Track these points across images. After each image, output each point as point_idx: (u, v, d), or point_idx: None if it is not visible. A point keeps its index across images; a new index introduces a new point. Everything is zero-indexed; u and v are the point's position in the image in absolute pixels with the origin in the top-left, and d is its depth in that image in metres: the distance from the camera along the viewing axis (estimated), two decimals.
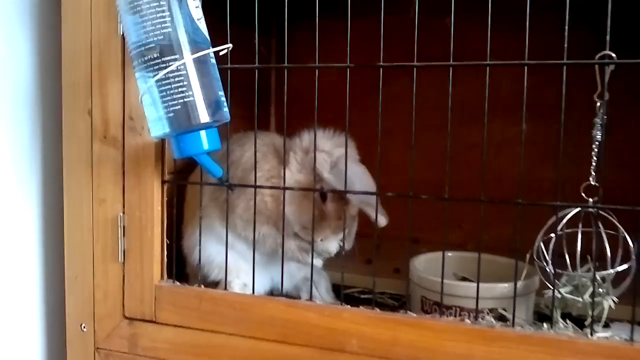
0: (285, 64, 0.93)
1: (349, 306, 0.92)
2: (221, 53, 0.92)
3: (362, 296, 1.22)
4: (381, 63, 0.89)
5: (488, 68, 0.84)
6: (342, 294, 0.98)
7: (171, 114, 0.86)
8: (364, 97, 1.48)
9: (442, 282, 0.88)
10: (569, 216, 0.90)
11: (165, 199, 1.02)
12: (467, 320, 0.86)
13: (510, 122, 1.55)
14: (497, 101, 1.58)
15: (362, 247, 1.12)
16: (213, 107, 0.88)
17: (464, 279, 1.15)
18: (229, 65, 0.95)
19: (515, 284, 0.85)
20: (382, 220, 0.96)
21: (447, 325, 0.85)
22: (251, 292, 1.02)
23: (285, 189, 0.98)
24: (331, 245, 1.05)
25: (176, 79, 0.86)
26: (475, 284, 0.98)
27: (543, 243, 0.92)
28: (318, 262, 1.07)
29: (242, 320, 0.95)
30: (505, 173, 1.58)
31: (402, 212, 1.49)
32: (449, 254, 1.18)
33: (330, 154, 1.02)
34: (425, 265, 1.11)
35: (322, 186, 1.01)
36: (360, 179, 0.98)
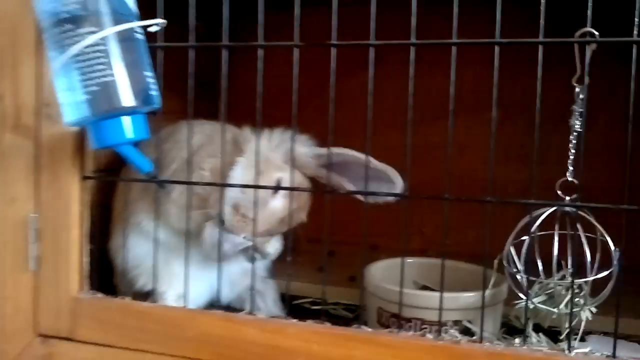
0: (226, 43, 0.80)
1: (294, 320, 0.81)
2: (151, 29, 0.80)
3: (314, 307, 1.11)
4: (334, 42, 0.78)
5: (454, 48, 0.74)
6: (289, 306, 0.87)
7: (88, 96, 0.74)
8: (320, 91, 1.39)
9: (400, 292, 0.77)
10: (543, 216, 0.81)
11: (88, 197, 0.89)
12: (429, 335, 0.76)
13: (474, 121, 1.48)
14: (460, 100, 1.49)
15: (314, 253, 1.01)
16: (139, 89, 0.76)
17: (424, 287, 1.05)
18: (158, 43, 0.82)
19: (484, 294, 0.75)
20: (398, 176, 0.87)
21: (406, 341, 0.75)
22: (192, 303, 0.91)
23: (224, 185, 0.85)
24: (269, 247, 0.94)
25: (95, 55, 0.74)
26: (437, 294, 0.88)
27: (514, 247, 0.82)
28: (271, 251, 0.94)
29: (173, 337, 0.83)
30: (470, 175, 1.49)
31: (359, 215, 1.38)
32: (409, 260, 1.07)
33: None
34: (382, 273, 1.00)
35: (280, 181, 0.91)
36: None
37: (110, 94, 0.74)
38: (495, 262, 0.87)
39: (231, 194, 0.89)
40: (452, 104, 0.78)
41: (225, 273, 1.01)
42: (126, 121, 0.77)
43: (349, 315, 1.08)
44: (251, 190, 0.86)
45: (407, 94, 1.43)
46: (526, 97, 1.49)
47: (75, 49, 0.73)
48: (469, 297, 0.88)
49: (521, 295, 0.81)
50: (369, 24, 0.76)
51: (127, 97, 0.75)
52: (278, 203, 0.90)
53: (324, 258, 0.83)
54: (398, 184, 0.87)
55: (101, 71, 0.73)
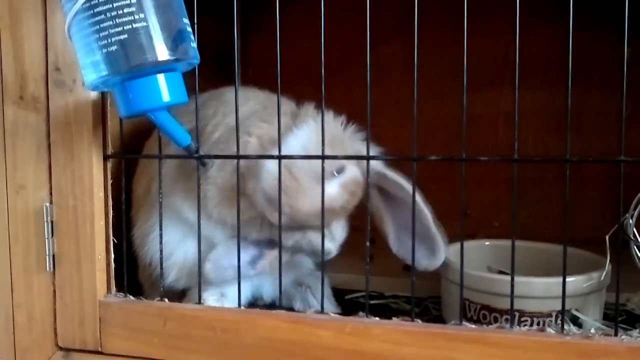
0: None
1: (377, 318, 0.66)
2: None
3: (372, 302, 0.95)
4: None
5: None
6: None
7: (113, 47, 0.59)
8: (344, 67, 1.24)
9: (512, 280, 0.62)
10: None
11: (110, 180, 0.74)
12: (550, 330, 0.61)
13: (522, 89, 1.34)
14: (506, 66, 1.36)
15: (354, 242, 0.86)
16: (175, 38, 0.61)
17: (501, 272, 0.90)
18: None
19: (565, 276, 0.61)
20: (442, 253, 0.74)
21: (524, 338, 0.60)
22: (232, 304, 0.77)
23: (281, 157, 0.69)
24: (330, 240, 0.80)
25: None
26: (540, 280, 0.74)
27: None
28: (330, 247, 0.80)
29: (226, 345, 0.68)
30: (521, 147, 1.35)
31: None
32: (486, 243, 0.93)
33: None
34: (456, 258, 0.85)
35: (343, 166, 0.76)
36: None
37: (141, 45, 0.59)
38: (607, 237, 0.72)
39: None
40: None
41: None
42: (161, 80, 0.62)
43: (415, 309, 0.93)
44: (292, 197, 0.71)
45: (444, 62, 1.28)
46: (580, 60, 1.37)
47: None
48: (578, 282, 0.73)
49: None
50: None
51: (161, 49, 0.60)
52: (333, 190, 0.74)
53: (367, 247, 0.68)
54: (439, 258, 0.74)
55: (129, 15, 0.59)
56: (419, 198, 0.72)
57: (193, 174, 0.77)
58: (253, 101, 0.81)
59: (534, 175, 1.30)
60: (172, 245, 0.81)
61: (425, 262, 0.74)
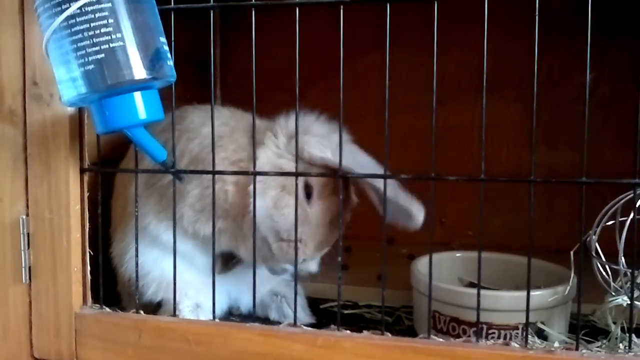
0: (252, 2, 0.66)
1: (348, 331, 0.67)
2: None
3: (345, 312, 0.97)
4: None
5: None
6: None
7: (90, 66, 0.60)
8: (323, 76, 1.25)
9: (478, 292, 0.64)
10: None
11: (87, 193, 0.74)
12: (514, 344, 0.63)
13: (497, 102, 1.37)
14: (480, 79, 1.38)
15: (329, 252, 0.88)
16: (152, 57, 0.62)
17: (471, 284, 0.93)
18: (172, 5, 0.68)
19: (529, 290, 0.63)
20: (420, 214, 0.72)
21: (490, 352, 0.62)
22: (208, 315, 0.79)
23: (256, 174, 0.71)
24: (311, 265, 0.83)
25: (97, 16, 0.60)
26: (508, 293, 0.77)
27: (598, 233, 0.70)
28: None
29: (201, 358, 0.70)
30: (495, 159, 1.39)
31: (373, 208, 1.25)
32: (457, 254, 0.95)
33: (328, 138, 0.78)
34: (426, 269, 0.87)
35: (307, 182, 0.77)
36: (372, 165, 0.74)
37: (118, 64, 0.60)
38: (572, 253, 0.75)
39: (264, 223, 0.77)
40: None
41: (245, 278, 0.88)
42: (138, 98, 0.63)
43: (388, 319, 0.95)
44: (283, 209, 0.75)
45: (420, 75, 1.30)
46: (552, 74, 1.40)
47: (74, 7, 0.58)
48: (544, 295, 0.75)
49: (610, 289, 0.69)
50: None
51: (138, 68, 0.61)
52: (316, 208, 0.77)
53: (339, 256, 0.70)
54: (419, 217, 0.74)
55: (107, 35, 0.60)
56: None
57: (165, 192, 0.79)
58: (218, 121, 0.82)
59: (508, 186, 1.33)
60: (150, 264, 0.83)
61: (411, 223, 0.74)
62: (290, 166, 0.76)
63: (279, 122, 0.80)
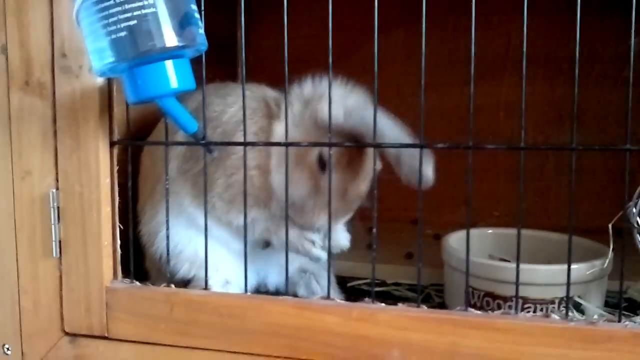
0: None
1: (382, 304, 0.66)
2: None
3: (375, 289, 0.96)
4: None
5: None
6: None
7: (123, 33, 0.59)
8: (345, 56, 1.24)
9: (517, 265, 0.63)
10: None
11: (116, 167, 0.74)
12: (554, 316, 0.62)
13: (521, 82, 1.34)
14: (507, 57, 1.37)
15: (355, 231, 0.87)
16: (183, 25, 0.61)
17: (502, 260, 0.91)
18: None
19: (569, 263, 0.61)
20: (429, 175, 0.69)
21: (529, 324, 0.61)
22: (238, 290, 0.78)
23: (288, 144, 0.70)
24: (339, 235, 0.82)
25: None
26: (544, 267, 0.75)
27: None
28: (323, 255, 0.80)
29: (233, 331, 0.68)
30: (519, 137, 1.35)
31: (399, 190, 1.23)
32: (489, 231, 0.94)
33: (343, 102, 0.75)
34: (460, 245, 0.86)
35: (321, 154, 0.76)
36: (391, 128, 0.71)
37: (149, 31, 0.59)
38: (610, 226, 0.73)
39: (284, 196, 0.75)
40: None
41: (274, 256, 0.88)
42: (170, 66, 0.62)
43: (415, 296, 0.94)
44: (296, 182, 0.75)
45: (442, 53, 1.28)
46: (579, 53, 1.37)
47: None
48: (581, 269, 0.74)
49: None
50: None
51: (170, 35, 0.60)
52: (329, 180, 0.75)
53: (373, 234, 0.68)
54: (428, 181, 0.70)
55: (138, 1, 0.59)
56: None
57: (198, 180, 0.78)
58: (235, 106, 0.81)
59: (533, 166, 1.31)
60: (184, 243, 0.82)
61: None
62: (306, 136, 0.74)
63: (293, 91, 0.79)
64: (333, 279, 0.94)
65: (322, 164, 0.76)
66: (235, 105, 0.80)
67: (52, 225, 0.73)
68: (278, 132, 0.77)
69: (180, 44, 0.60)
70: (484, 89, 1.34)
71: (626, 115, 0.60)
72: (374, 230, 0.70)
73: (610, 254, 0.75)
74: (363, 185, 0.79)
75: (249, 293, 0.73)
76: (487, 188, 1.32)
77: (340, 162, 0.76)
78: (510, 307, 0.74)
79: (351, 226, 0.85)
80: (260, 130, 0.79)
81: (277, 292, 0.91)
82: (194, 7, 0.63)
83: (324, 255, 0.79)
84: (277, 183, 0.76)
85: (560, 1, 1.24)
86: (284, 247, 0.73)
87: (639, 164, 0.71)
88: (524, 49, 0.64)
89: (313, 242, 0.78)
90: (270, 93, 0.84)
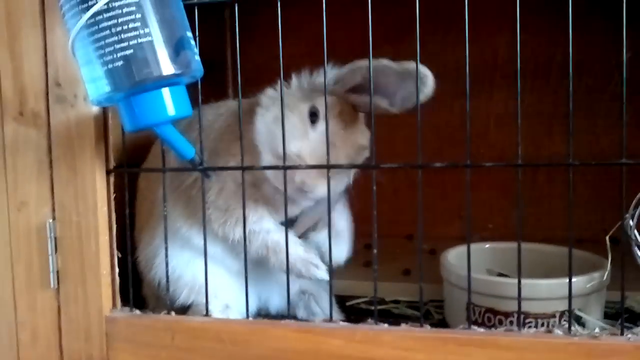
0: None
1: (386, 325, 0.66)
2: None
3: (374, 308, 0.95)
4: None
5: None
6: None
7: (118, 63, 0.58)
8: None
9: (519, 280, 0.63)
10: None
11: (113, 195, 0.73)
12: (558, 331, 0.62)
13: (513, 92, 1.35)
14: (495, 70, 1.38)
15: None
16: (179, 53, 0.61)
17: (500, 275, 0.91)
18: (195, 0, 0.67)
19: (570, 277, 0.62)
20: (429, 75, 0.70)
21: (533, 340, 0.61)
22: (238, 314, 0.78)
23: (286, 167, 0.70)
24: (344, 248, 0.80)
25: (124, 11, 0.59)
26: (545, 281, 0.75)
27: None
28: (326, 277, 0.79)
29: (236, 357, 0.68)
30: (510, 149, 1.36)
31: (394, 205, 1.24)
32: (486, 245, 0.94)
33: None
34: (459, 262, 0.86)
35: (314, 105, 0.75)
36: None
37: (146, 59, 0.59)
38: (607, 238, 0.74)
39: (265, 142, 0.76)
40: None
41: (274, 278, 0.87)
42: (166, 94, 0.62)
43: (416, 314, 0.94)
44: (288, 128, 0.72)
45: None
46: (566, 64, 1.38)
47: (101, 2, 0.57)
48: (581, 282, 0.74)
49: None
50: None
51: (166, 64, 0.60)
52: (321, 128, 0.74)
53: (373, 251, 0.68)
54: (427, 81, 0.71)
55: (134, 30, 0.59)
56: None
57: (190, 194, 0.79)
58: (226, 115, 0.83)
59: (525, 177, 1.31)
60: (181, 268, 0.81)
61: (423, 90, 0.71)
62: (304, 100, 0.76)
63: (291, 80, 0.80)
64: (333, 300, 0.94)
65: (314, 116, 0.75)
66: (226, 114, 0.83)
67: (50, 256, 0.73)
68: (258, 123, 0.77)
69: (177, 72, 0.60)
70: (474, 102, 1.34)
71: (620, 129, 0.61)
72: (374, 250, 0.70)
73: (609, 265, 0.76)
74: (356, 136, 0.78)
75: (250, 318, 0.72)
76: (481, 200, 1.32)
77: (331, 114, 0.74)
78: (511, 322, 0.74)
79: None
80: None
81: (278, 315, 0.90)
82: (189, 33, 0.63)
83: (327, 275, 0.79)
84: (261, 126, 0.75)
85: (546, 14, 1.25)
86: (282, 268, 0.74)
87: (632, 175, 0.72)
88: (518, 64, 0.64)
89: (317, 265, 0.78)
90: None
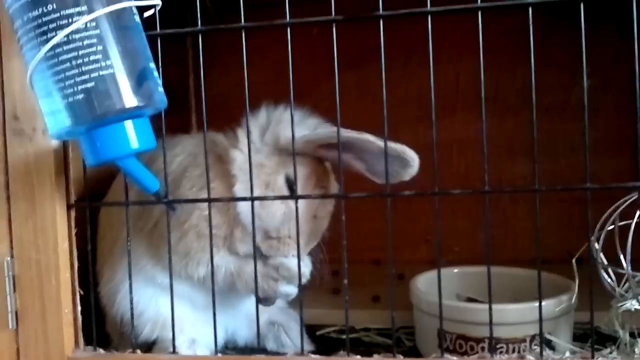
0: (242, 24, 0.64)
1: (358, 356, 0.65)
2: (146, 14, 0.64)
3: (344, 337, 0.94)
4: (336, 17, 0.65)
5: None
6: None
7: (79, 96, 0.57)
8: (310, 88, 1.25)
9: (490, 306, 0.63)
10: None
11: (74, 230, 0.71)
12: (529, 356, 0.62)
13: (474, 118, 1.37)
14: (457, 94, 1.39)
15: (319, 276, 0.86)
16: (142, 84, 0.60)
17: (469, 300, 0.92)
18: (158, 30, 0.66)
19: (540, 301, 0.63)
20: (415, 158, 0.71)
21: None
22: (206, 348, 0.76)
23: (253, 199, 0.69)
24: (303, 264, 0.79)
25: (85, 43, 0.57)
26: (515, 306, 0.75)
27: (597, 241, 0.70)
28: (291, 290, 0.78)
29: None
30: (475, 173, 1.39)
31: (360, 230, 1.23)
32: (454, 270, 0.94)
33: (303, 122, 0.78)
34: (428, 287, 0.86)
35: (288, 176, 0.76)
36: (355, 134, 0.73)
37: (107, 92, 0.57)
38: (573, 261, 0.74)
39: (247, 219, 0.75)
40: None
41: (242, 310, 0.86)
42: (129, 127, 0.60)
43: (387, 341, 0.93)
44: (269, 207, 0.75)
45: (395, 93, 1.31)
46: (526, 88, 1.42)
47: (61, 34, 0.56)
48: (550, 305, 0.74)
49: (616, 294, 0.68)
50: None
51: (128, 96, 0.58)
52: (301, 203, 0.73)
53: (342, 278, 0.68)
54: (414, 164, 0.72)
55: (96, 63, 0.57)
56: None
57: (152, 235, 0.78)
58: (183, 153, 0.81)
59: (490, 199, 1.33)
60: (144, 303, 0.79)
61: (404, 172, 0.72)
62: (268, 160, 0.76)
63: (246, 120, 0.77)
64: (303, 330, 0.92)
65: (290, 185, 0.76)
66: (181, 155, 0.81)
67: (7, 295, 0.70)
68: (238, 159, 0.76)
69: (140, 104, 0.59)
70: (436, 126, 1.37)
71: (584, 153, 0.62)
72: (345, 281, 0.69)
73: (576, 288, 0.76)
74: (330, 204, 0.80)
75: (219, 354, 0.70)
76: (446, 224, 1.33)
77: (308, 185, 0.76)
78: (482, 348, 0.74)
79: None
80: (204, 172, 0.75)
81: (246, 348, 0.89)
82: (152, 65, 0.62)
83: (292, 289, 0.78)
84: (247, 209, 0.73)
85: (503, 37, 1.27)
86: (248, 290, 0.75)
87: (594, 197, 0.73)
88: (482, 89, 0.65)
89: (276, 280, 0.77)
90: (218, 137, 0.83)
